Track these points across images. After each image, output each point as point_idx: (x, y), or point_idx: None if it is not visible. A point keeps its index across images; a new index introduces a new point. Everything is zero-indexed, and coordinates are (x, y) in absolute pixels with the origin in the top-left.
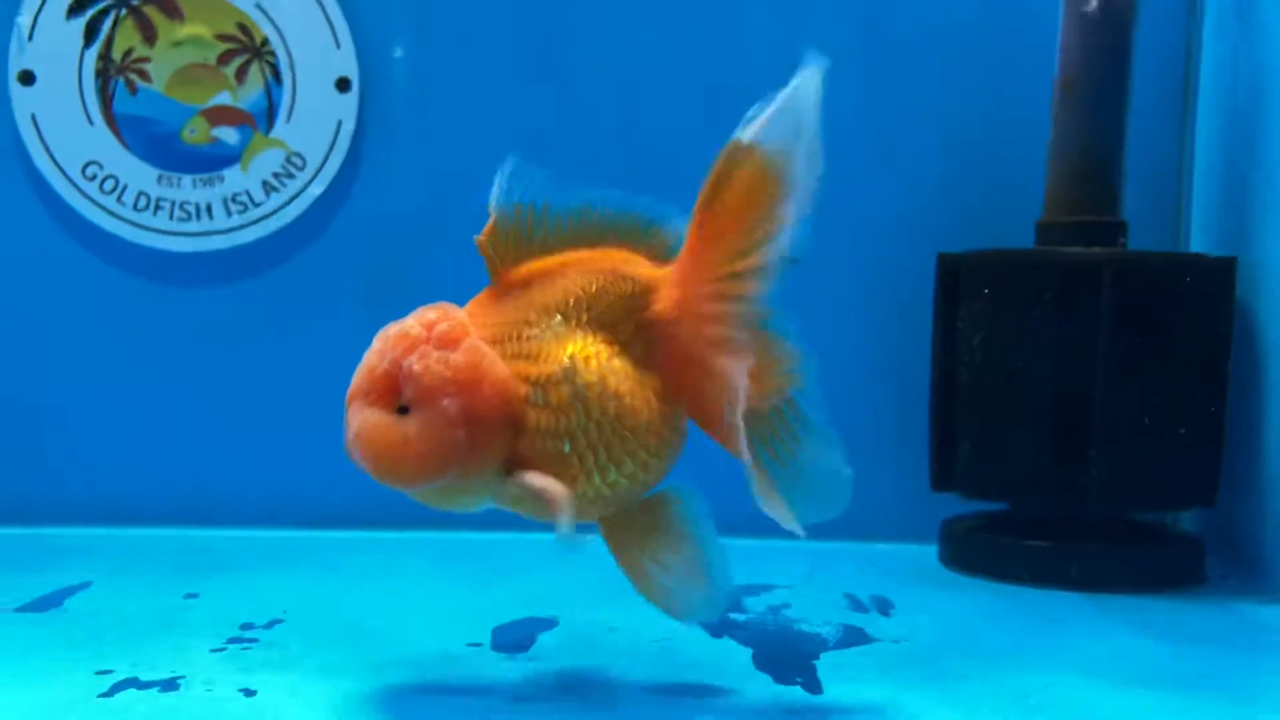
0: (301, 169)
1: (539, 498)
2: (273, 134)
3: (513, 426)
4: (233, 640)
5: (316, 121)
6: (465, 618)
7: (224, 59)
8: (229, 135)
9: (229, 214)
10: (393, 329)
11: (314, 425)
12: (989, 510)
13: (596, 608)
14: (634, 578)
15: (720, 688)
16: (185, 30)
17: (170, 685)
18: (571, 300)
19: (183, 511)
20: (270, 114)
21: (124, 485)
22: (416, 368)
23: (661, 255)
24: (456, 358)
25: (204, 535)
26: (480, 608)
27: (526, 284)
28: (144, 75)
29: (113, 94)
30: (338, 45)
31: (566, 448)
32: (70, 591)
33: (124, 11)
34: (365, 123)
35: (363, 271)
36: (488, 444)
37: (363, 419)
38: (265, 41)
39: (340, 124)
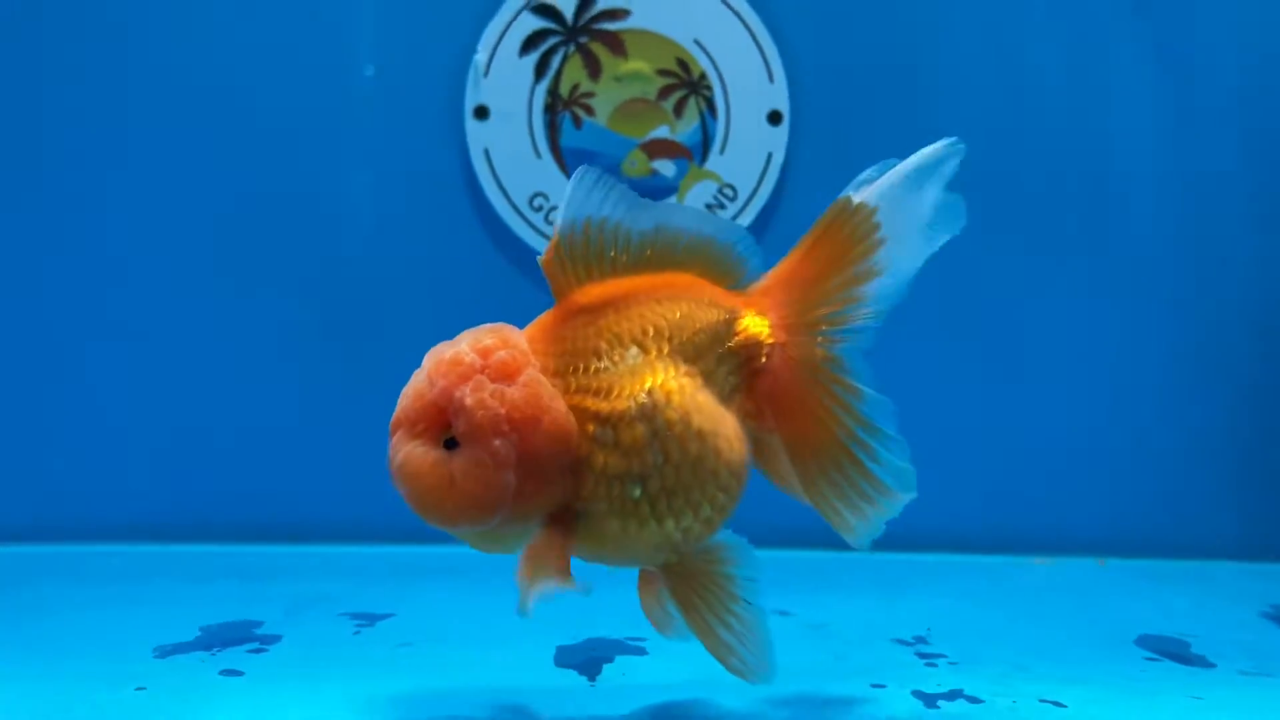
0: (733, 199)
1: (526, 575)
2: (707, 166)
3: (572, 470)
4: None
5: (748, 154)
6: None
7: (664, 94)
8: (666, 168)
9: None
10: (446, 352)
11: None
12: None
13: None
14: (699, 633)
15: None
16: (628, 66)
17: None
18: (651, 330)
19: None
20: (705, 146)
21: None
22: (469, 401)
23: (731, 283)
24: (513, 393)
25: None
26: None
27: (597, 309)
28: (589, 110)
29: (559, 127)
30: (771, 80)
31: (637, 493)
32: None
33: (573, 48)
34: (793, 155)
35: None
36: (540, 490)
37: (408, 452)
38: (703, 76)
39: (770, 156)
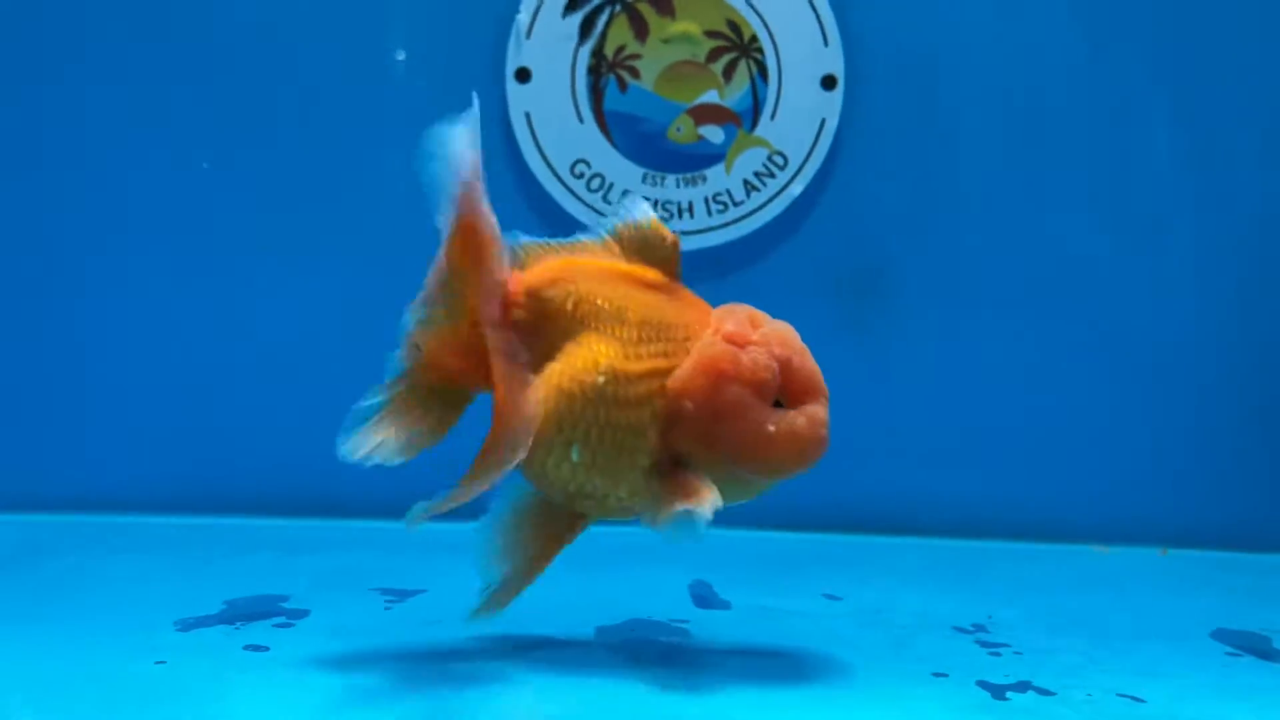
0: (783, 168)
1: None
2: (756, 132)
3: None
4: None
5: (800, 120)
6: None
7: (713, 56)
8: (714, 134)
9: (710, 213)
10: None
11: None
12: None
13: None
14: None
15: None
16: (676, 27)
17: None
18: None
19: None
20: (755, 112)
21: None
22: None
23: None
24: None
25: None
26: None
27: None
28: (634, 72)
29: (604, 91)
30: (825, 43)
31: None
32: None
33: (619, 8)
34: (848, 121)
35: (836, 270)
36: None
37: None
38: (754, 39)
39: (824, 122)
